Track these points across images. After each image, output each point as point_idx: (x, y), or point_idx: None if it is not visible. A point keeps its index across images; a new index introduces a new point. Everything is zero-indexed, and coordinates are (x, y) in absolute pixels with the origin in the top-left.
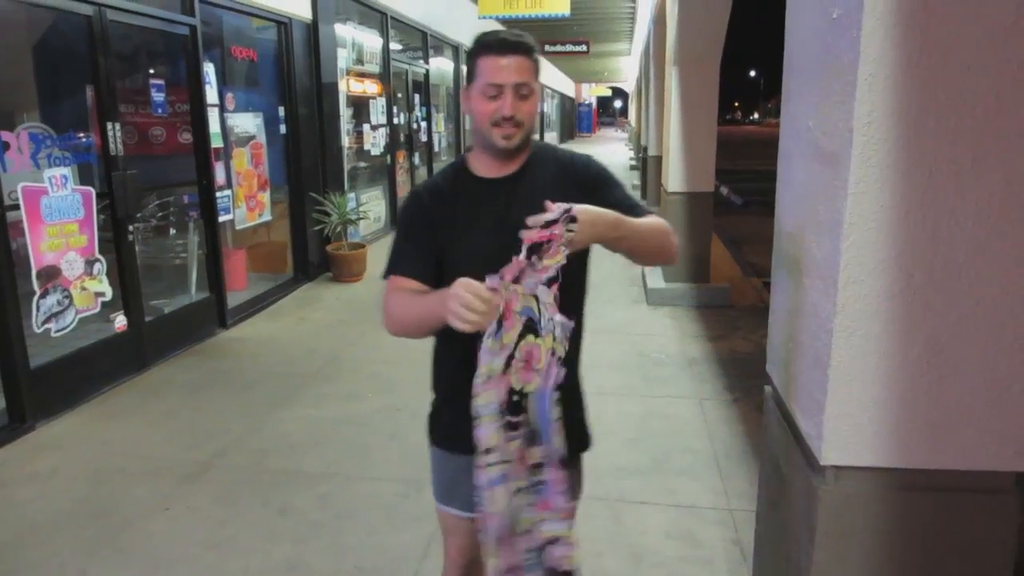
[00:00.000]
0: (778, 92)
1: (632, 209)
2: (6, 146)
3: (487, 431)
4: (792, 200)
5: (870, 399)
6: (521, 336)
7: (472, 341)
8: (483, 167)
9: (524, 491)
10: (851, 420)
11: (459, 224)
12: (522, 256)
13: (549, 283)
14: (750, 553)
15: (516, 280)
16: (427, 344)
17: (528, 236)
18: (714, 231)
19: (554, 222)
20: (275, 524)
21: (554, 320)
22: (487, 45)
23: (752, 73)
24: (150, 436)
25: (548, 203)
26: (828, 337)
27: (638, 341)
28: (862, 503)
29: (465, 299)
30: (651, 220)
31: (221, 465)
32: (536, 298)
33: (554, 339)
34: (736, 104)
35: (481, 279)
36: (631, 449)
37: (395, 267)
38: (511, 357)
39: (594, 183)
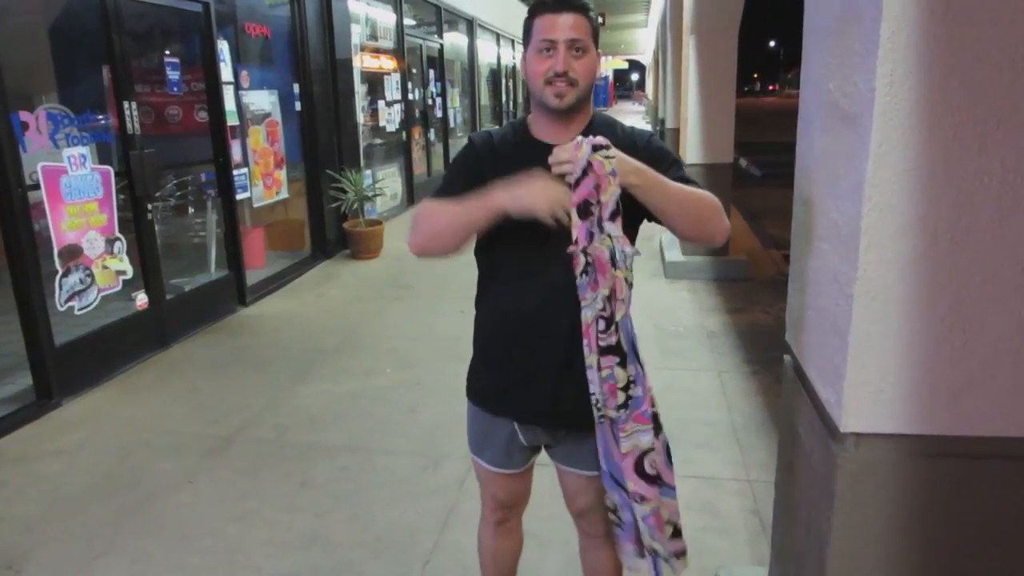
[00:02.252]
0: (798, 62)
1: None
2: (25, 126)
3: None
4: (812, 165)
5: (891, 365)
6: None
7: (510, 308)
8: (542, 131)
9: (620, 408)
10: (872, 387)
11: None
12: (576, 218)
13: (613, 217)
14: (769, 523)
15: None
16: (444, 321)
17: (576, 196)
18: (733, 203)
19: (587, 168)
20: (297, 496)
21: (625, 252)
22: (542, 4)
23: (772, 43)
24: (173, 411)
25: (578, 137)
26: (848, 303)
27: (656, 315)
28: (883, 470)
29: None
30: (695, 189)
31: (243, 439)
32: (610, 236)
33: (628, 269)
34: (756, 75)
35: (530, 242)
36: None
37: (442, 194)
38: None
39: (653, 159)
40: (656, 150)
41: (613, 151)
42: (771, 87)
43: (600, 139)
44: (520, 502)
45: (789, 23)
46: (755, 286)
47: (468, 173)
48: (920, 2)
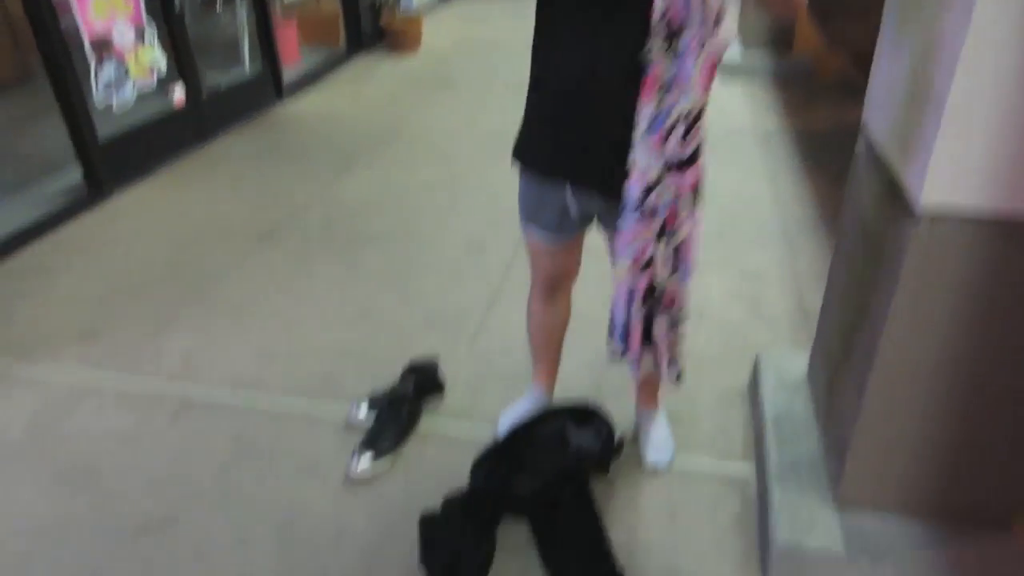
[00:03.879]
0: None
1: None
2: None
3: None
4: None
5: (985, 141)
6: None
7: (573, 67)
8: None
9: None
10: (960, 163)
11: None
12: None
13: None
14: (812, 314)
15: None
16: (487, 117)
17: None
18: None
19: None
20: (346, 279)
21: None
22: None
23: None
24: (220, 202)
25: None
26: (952, 65)
27: (710, 112)
28: (957, 252)
29: None
30: None
31: (290, 226)
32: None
33: None
34: None
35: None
36: None
37: None
38: None
39: None
40: None
41: None
42: None
43: None
44: (570, 275)
45: None
46: (816, 88)
47: None
48: None
